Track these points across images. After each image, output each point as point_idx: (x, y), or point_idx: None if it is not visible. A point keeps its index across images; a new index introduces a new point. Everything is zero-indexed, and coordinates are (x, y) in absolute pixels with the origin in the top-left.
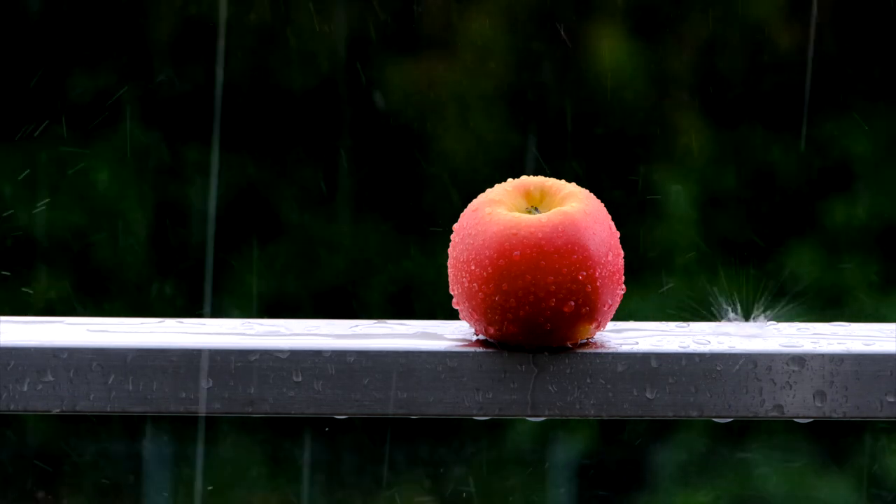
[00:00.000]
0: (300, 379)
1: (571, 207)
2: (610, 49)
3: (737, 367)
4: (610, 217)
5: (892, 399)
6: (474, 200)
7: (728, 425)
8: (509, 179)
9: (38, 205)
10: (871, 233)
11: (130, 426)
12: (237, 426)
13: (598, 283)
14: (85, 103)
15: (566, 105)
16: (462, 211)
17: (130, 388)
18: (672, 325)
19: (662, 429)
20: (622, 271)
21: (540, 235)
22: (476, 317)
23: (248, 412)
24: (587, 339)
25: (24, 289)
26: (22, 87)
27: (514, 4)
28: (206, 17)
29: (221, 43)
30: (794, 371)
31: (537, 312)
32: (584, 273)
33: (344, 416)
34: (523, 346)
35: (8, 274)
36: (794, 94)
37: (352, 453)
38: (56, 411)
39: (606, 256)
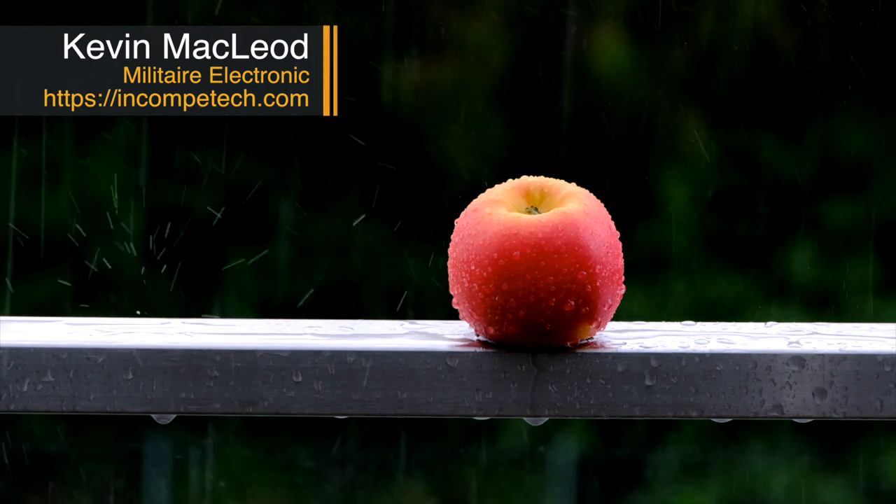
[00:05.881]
0: (300, 379)
1: (571, 207)
2: (610, 49)
3: (737, 367)
4: (610, 217)
5: (892, 399)
6: (474, 200)
7: (728, 425)
8: (509, 179)
9: (37, 205)
10: (871, 233)
11: (130, 426)
12: (237, 426)
13: (597, 283)
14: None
15: (566, 105)
16: (462, 211)
17: (130, 388)
18: (672, 324)
19: (662, 429)
20: (622, 271)
21: (540, 235)
22: (476, 317)
23: (248, 412)
24: (587, 339)
25: (23, 289)
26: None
27: (513, 5)
28: (206, 16)
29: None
30: (794, 371)
31: (537, 312)
32: (584, 273)
33: (344, 416)
34: (523, 346)
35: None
36: (794, 93)
37: (351, 453)
38: (56, 411)
39: (606, 256)
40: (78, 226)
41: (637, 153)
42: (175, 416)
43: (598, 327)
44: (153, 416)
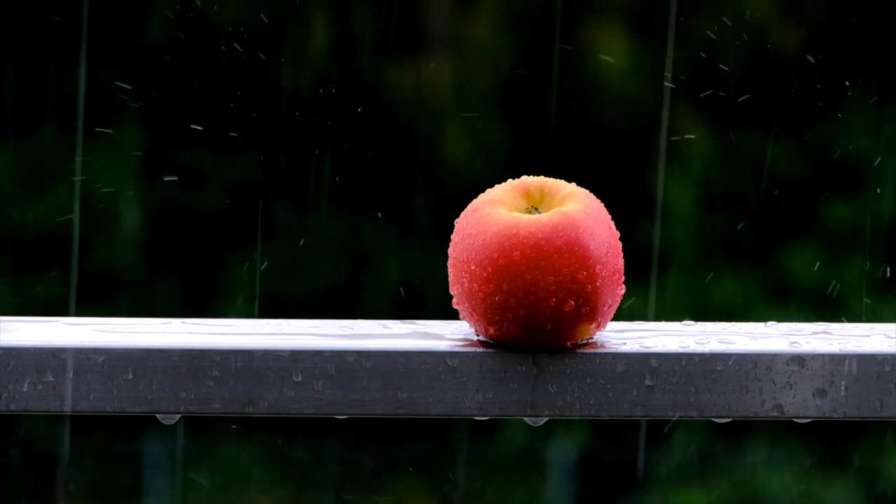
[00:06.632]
0: (300, 379)
1: (571, 207)
2: (610, 49)
3: (737, 367)
4: (610, 217)
5: (892, 399)
6: (474, 200)
7: (727, 425)
8: (509, 179)
9: (37, 205)
10: (871, 233)
11: (130, 426)
12: (237, 426)
13: (597, 283)
14: (83, 102)
15: (566, 105)
16: (462, 211)
17: (130, 388)
18: (672, 324)
19: (661, 429)
20: (622, 271)
21: (540, 235)
22: (476, 317)
23: (248, 412)
24: (587, 339)
25: (23, 289)
26: (20, 86)
27: (513, 5)
28: (206, 17)
29: (221, 43)
30: (794, 371)
31: (537, 312)
32: (584, 273)
33: (344, 416)
34: (523, 346)
35: (6, 274)
36: (793, 93)
37: (351, 453)
38: (56, 411)
39: (606, 256)
40: (76, 225)
41: (637, 153)
42: (179, 416)
43: (598, 327)
44: (158, 416)
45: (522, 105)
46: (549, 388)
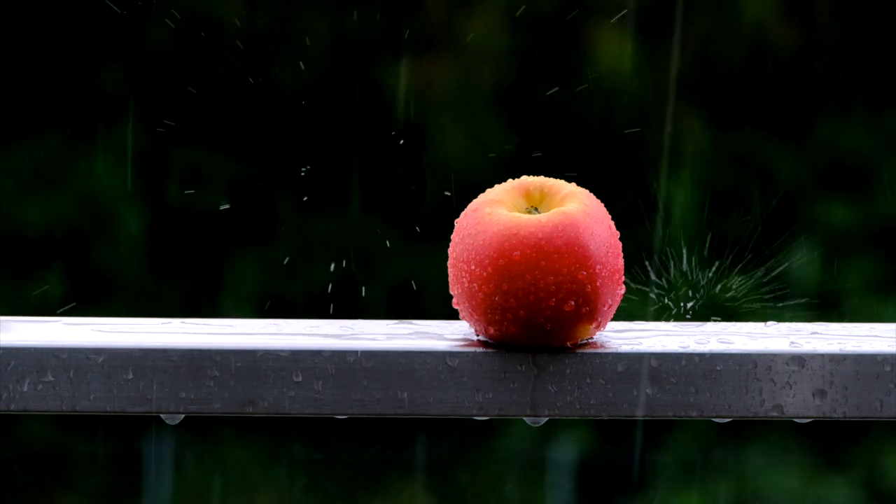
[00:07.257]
0: (300, 379)
1: (571, 207)
2: (610, 49)
3: (737, 367)
4: (610, 217)
5: (892, 399)
6: (474, 200)
7: (727, 425)
8: (509, 179)
9: (37, 205)
10: (871, 233)
11: (130, 426)
12: (237, 426)
13: (597, 283)
14: (84, 103)
15: (566, 105)
16: (462, 211)
17: (130, 388)
18: (672, 325)
19: (661, 429)
20: (622, 271)
21: (540, 235)
22: (476, 317)
23: (248, 412)
24: (587, 339)
25: (23, 289)
26: (21, 87)
27: (513, 4)
28: (207, 17)
29: (222, 43)
30: (794, 371)
31: (537, 312)
32: (584, 273)
33: (344, 416)
34: (523, 346)
35: (7, 274)
36: (794, 93)
37: (351, 453)
38: (56, 411)
39: (606, 256)
40: (77, 226)
41: (637, 153)
42: (184, 416)
43: (598, 327)
44: (162, 416)
45: (522, 104)
46: (549, 388)
